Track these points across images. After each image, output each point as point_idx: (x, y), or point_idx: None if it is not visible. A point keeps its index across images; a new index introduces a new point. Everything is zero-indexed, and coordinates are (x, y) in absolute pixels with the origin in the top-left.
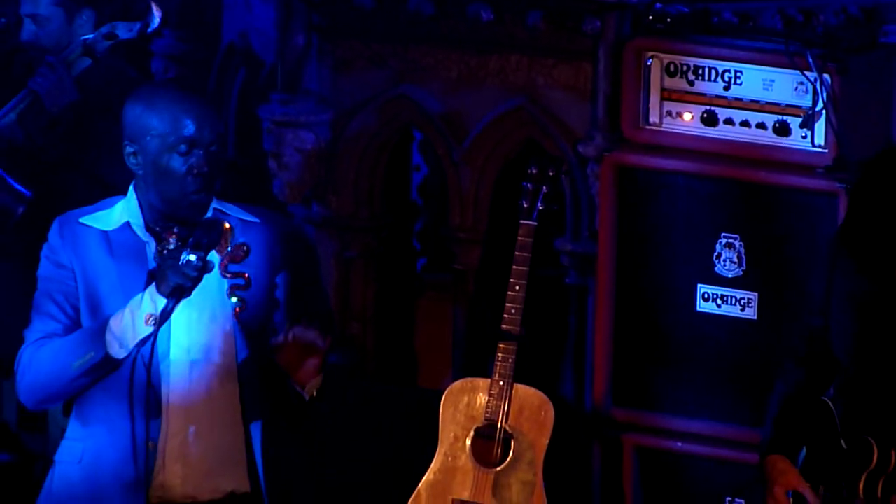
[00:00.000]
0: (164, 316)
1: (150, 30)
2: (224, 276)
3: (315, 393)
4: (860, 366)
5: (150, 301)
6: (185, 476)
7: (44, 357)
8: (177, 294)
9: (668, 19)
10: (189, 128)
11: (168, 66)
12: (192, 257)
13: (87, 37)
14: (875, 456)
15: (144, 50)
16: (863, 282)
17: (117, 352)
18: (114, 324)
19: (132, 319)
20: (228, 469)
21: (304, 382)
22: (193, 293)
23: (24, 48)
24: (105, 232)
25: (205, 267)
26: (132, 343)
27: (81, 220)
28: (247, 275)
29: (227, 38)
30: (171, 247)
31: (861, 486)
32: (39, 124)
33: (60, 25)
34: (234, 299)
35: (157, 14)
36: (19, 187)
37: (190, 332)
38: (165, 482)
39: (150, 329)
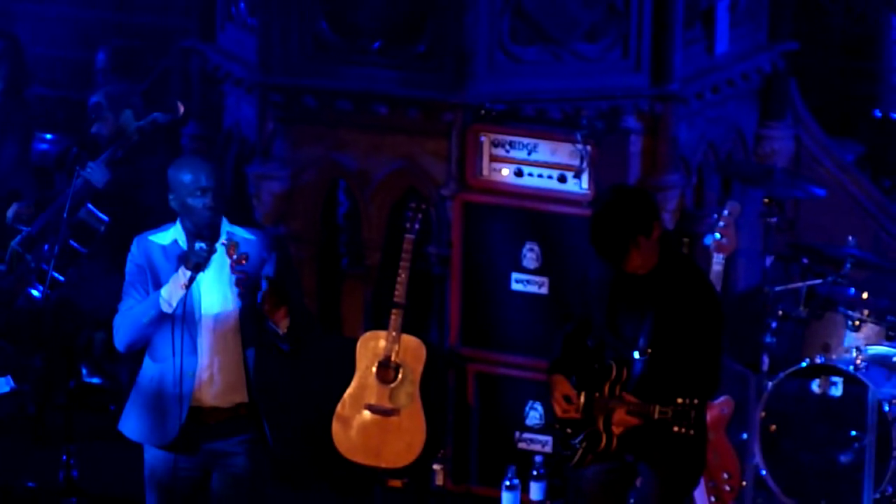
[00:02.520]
0: (190, 281)
1: (177, 118)
2: (232, 272)
3: (286, 330)
4: (604, 321)
5: (182, 273)
6: (212, 393)
7: (126, 317)
8: (196, 268)
9: (494, 113)
10: (201, 180)
11: (191, 142)
12: (201, 244)
13: (139, 123)
14: (613, 372)
15: (176, 132)
16: (605, 270)
17: (166, 308)
18: (163, 291)
19: (174, 286)
20: (238, 387)
21: (278, 322)
22: (216, 277)
23: (95, 138)
24: (163, 245)
25: (210, 251)
26: (175, 301)
27: (149, 237)
28: (246, 271)
29: (226, 125)
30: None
31: (605, 389)
32: (113, 178)
33: (114, 121)
34: (236, 285)
35: (181, 109)
36: (101, 215)
37: (213, 300)
38: (200, 397)
39: (183, 292)
